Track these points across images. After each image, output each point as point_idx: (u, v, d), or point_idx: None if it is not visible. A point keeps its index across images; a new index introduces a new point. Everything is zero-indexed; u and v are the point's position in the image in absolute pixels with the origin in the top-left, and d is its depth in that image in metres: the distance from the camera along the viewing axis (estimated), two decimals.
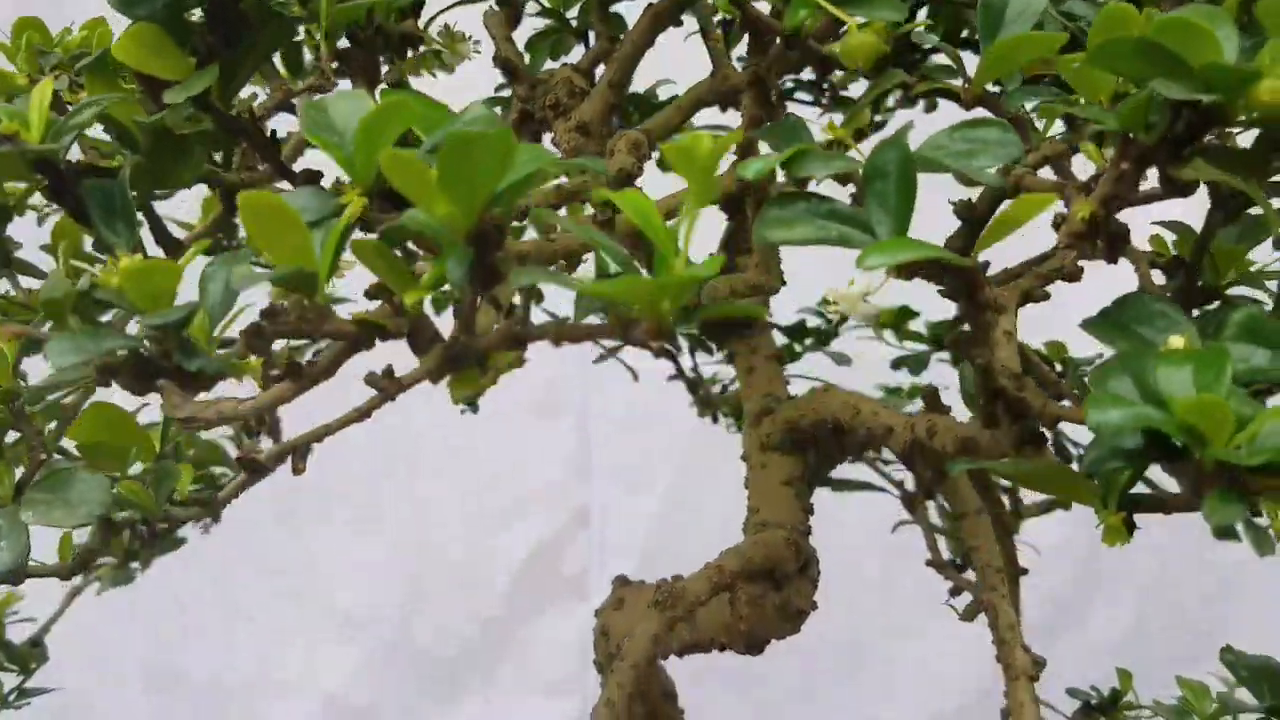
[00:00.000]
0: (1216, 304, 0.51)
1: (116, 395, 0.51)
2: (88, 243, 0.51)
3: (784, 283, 0.52)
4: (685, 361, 0.92)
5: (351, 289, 0.65)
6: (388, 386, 0.57)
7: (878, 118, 0.71)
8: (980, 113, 0.43)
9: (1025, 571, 0.78)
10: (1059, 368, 0.70)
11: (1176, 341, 0.30)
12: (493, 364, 0.33)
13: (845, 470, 0.91)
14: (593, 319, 0.36)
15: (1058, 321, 0.72)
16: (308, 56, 0.62)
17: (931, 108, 0.69)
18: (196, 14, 0.44)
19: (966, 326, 0.38)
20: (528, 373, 1.83)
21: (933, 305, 0.85)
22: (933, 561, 0.88)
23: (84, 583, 0.83)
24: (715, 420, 0.92)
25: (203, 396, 0.37)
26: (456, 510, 1.67)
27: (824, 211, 0.32)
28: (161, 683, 1.71)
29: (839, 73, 0.60)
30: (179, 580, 1.71)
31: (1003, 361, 0.35)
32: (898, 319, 0.84)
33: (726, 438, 1.05)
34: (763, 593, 0.60)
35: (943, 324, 0.82)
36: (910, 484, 0.92)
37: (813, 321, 0.85)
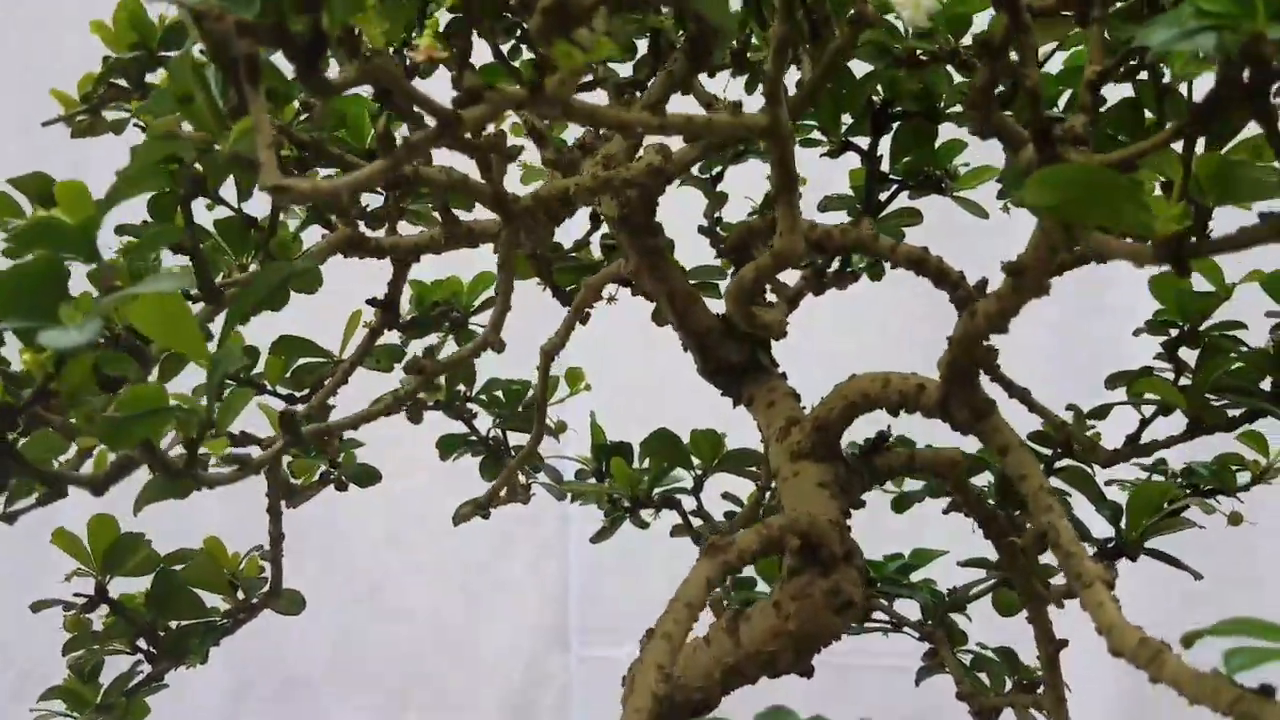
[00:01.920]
0: None
1: None
2: None
3: (807, 251, 0.56)
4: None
5: None
6: (426, 367, 0.58)
7: None
8: None
9: (1065, 643, 0.74)
10: None
11: None
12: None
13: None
14: None
15: None
16: None
17: None
18: None
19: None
20: (503, 669, 1.75)
21: None
22: (962, 695, 0.83)
23: None
24: None
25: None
26: None
27: None
28: None
29: None
30: None
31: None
32: None
33: None
34: (809, 581, 0.57)
35: None
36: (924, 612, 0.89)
37: None
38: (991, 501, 0.72)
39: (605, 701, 1.67)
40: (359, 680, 1.56)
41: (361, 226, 0.70)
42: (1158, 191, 0.46)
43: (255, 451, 0.58)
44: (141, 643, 0.75)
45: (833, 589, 0.56)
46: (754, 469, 0.87)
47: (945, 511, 0.72)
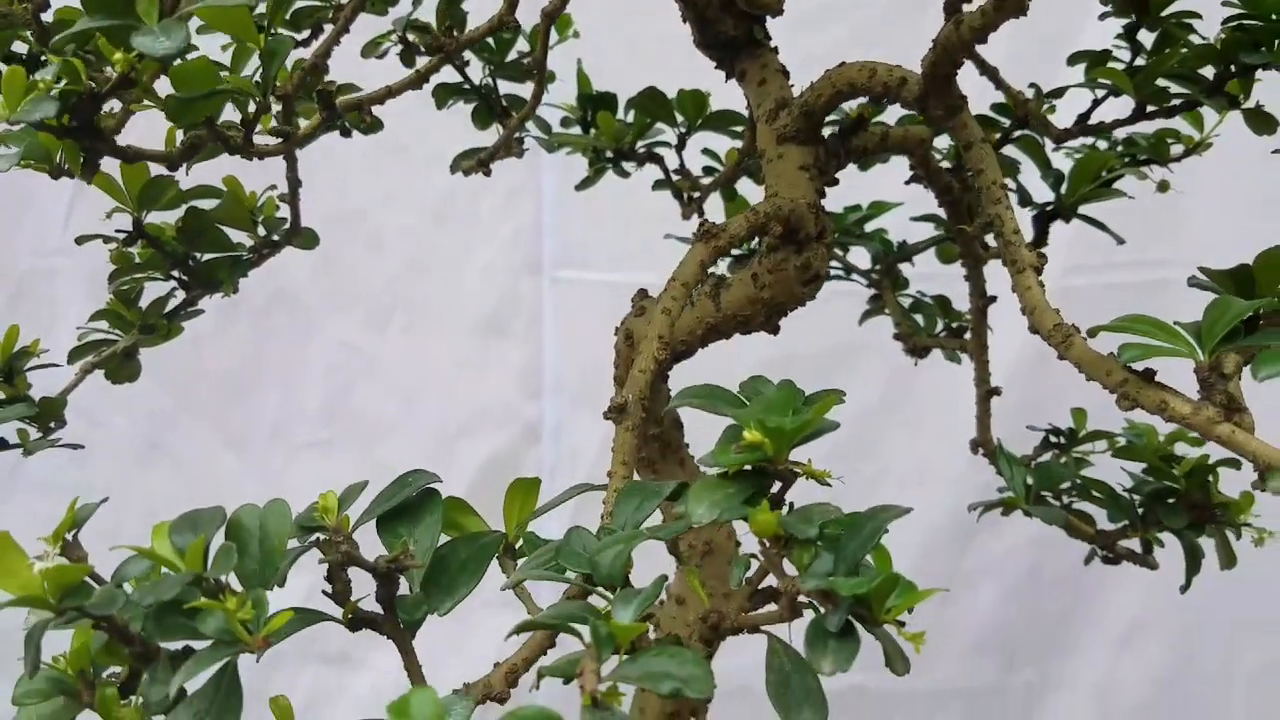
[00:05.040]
0: None
1: None
2: None
3: None
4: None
5: None
6: (447, 45, 0.62)
7: None
8: None
9: (993, 299, 0.85)
10: None
11: None
12: None
13: None
14: None
15: None
16: None
17: None
18: None
19: None
20: (480, 290, 1.88)
21: None
22: (899, 334, 0.95)
23: (93, 362, 0.85)
24: (703, 217, 0.98)
25: None
26: (410, 427, 1.69)
27: None
28: None
29: None
30: (115, 516, 1.68)
31: None
32: None
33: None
34: (784, 257, 0.66)
35: None
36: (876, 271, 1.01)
37: None
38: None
39: (574, 318, 1.82)
40: (344, 298, 1.67)
41: None
42: None
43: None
44: (175, 272, 0.83)
45: (804, 264, 0.65)
46: (736, 128, 0.92)
47: (907, 182, 0.80)
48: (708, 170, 0.98)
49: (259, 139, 0.57)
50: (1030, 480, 0.83)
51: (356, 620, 0.50)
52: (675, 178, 0.96)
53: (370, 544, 0.54)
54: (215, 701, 0.41)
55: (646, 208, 1.08)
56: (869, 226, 1.02)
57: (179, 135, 0.54)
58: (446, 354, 1.72)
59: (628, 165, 0.98)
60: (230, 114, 0.58)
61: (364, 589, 0.53)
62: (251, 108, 0.52)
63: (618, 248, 1.64)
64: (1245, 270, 0.55)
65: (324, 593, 0.51)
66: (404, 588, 0.52)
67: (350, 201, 1.65)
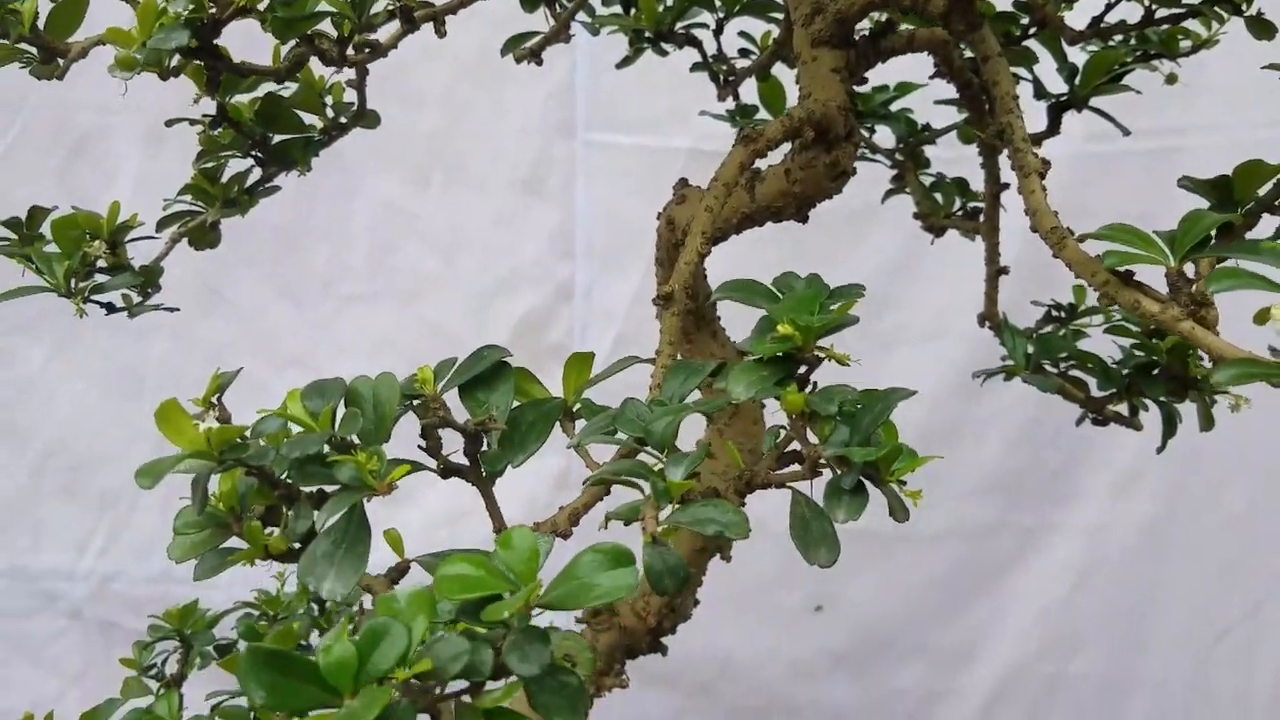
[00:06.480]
0: None
1: None
2: None
3: None
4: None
5: None
6: None
7: None
8: None
9: (1006, 186, 0.92)
10: None
11: None
12: None
13: None
14: None
15: None
16: None
17: None
18: None
19: None
20: (514, 152, 1.92)
21: None
22: (919, 214, 1.02)
23: (181, 232, 0.93)
24: (737, 100, 1.04)
25: None
26: (449, 283, 1.78)
27: None
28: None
29: None
30: (179, 359, 1.80)
31: None
32: None
33: None
34: (815, 155, 0.73)
35: None
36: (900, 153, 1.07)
37: None
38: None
39: (605, 180, 1.88)
40: (386, 156, 1.73)
41: None
42: None
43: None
44: (254, 152, 0.90)
45: (833, 162, 0.72)
46: (774, 15, 0.97)
47: (930, 78, 0.86)
48: (743, 53, 1.03)
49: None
50: (1031, 350, 0.91)
51: (448, 470, 0.60)
52: (712, 61, 1.01)
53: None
54: (348, 533, 0.51)
55: (679, 74, 1.13)
56: (894, 107, 1.08)
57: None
58: (483, 212, 1.79)
59: (666, 46, 1.04)
60: None
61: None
62: (346, 27, 0.59)
63: (649, 112, 1.69)
64: (1225, 179, 0.62)
65: (419, 447, 0.60)
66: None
67: (390, 61, 1.69)
